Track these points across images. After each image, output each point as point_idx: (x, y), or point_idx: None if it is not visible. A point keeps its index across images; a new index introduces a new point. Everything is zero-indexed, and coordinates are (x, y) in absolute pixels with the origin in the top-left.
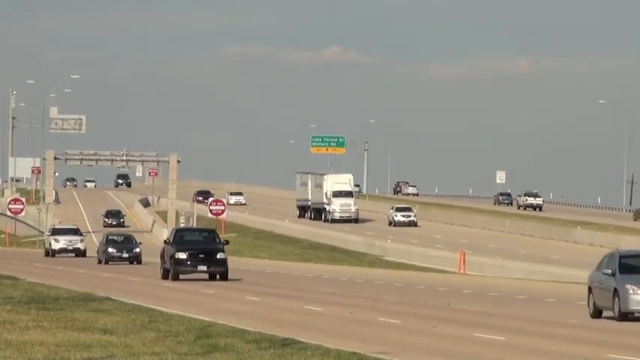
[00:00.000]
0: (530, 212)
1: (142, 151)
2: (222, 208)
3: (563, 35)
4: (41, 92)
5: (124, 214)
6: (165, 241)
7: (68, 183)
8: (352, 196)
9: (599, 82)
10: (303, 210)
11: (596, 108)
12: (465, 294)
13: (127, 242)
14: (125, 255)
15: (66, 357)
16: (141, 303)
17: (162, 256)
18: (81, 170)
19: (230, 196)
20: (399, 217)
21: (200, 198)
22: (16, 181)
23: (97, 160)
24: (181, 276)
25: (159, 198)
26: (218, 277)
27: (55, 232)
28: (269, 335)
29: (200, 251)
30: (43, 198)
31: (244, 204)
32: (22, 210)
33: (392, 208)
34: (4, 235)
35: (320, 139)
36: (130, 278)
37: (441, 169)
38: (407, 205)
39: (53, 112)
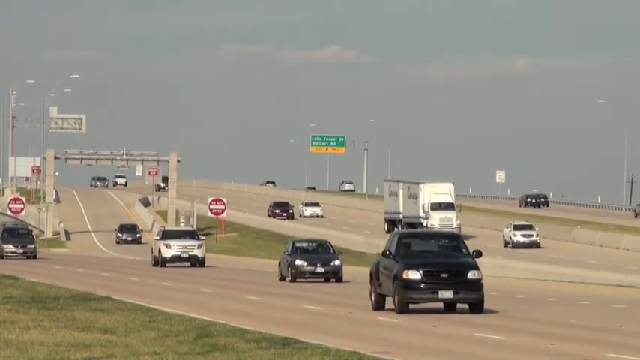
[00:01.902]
0: (531, 211)
1: (142, 150)
2: (223, 207)
3: (564, 35)
4: (41, 92)
5: (140, 228)
6: (384, 253)
7: (99, 183)
8: (454, 209)
9: (599, 82)
10: (392, 224)
11: (596, 108)
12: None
13: (323, 251)
14: (320, 269)
15: (66, 356)
16: (141, 302)
17: (374, 275)
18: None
19: (305, 207)
20: (519, 236)
21: (277, 211)
22: (22, 178)
23: (97, 159)
24: (412, 305)
25: (159, 198)
26: (469, 306)
27: (166, 235)
28: (269, 335)
29: (441, 268)
30: (44, 197)
31: (322, 216)
32: (22, 209)
33: (508, 226)
34: None
35: (320, 139)
36: (130, 278)
37: (441, 169)
38: (527, 223)
39: (53, 111)
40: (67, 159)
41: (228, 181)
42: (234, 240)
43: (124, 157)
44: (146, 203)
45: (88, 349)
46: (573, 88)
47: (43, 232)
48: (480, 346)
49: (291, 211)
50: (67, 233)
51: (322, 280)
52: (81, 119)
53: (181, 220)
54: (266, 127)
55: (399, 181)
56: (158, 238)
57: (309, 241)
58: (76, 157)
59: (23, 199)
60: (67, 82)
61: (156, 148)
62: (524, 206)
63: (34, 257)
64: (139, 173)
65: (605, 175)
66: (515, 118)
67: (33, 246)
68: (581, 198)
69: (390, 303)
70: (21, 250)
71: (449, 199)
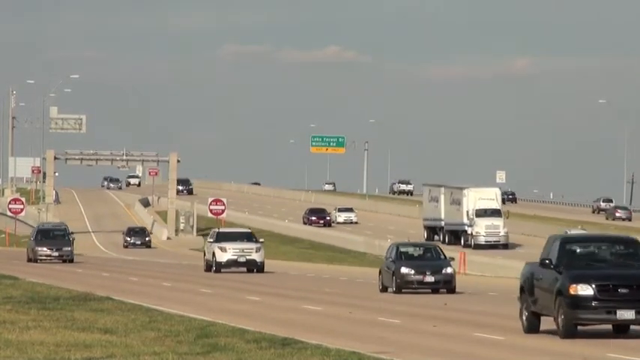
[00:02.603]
0: (531, 212)
1: (142, 150)
2: (222, 207)
3: (564, 35)
4: (41, 92)
5: (149, 232)
6: (542, 262)
7: (112, 184)
8: (500, 216)
9: (599, 82)
10: (432, 231)
11: (596, 108)
12: (465, 294)
13: (432, 257)
14: (430, 278)
15: (66, 357)
16: (141, 303)
17: (527, 290)
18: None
19: (338, 213)
20: None
21: (314, 218)
22: (22, 179)
23: (97, 159)
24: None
25: (159, 198)
26: None
27: (221, 237)
28: (269, 335)
29: (620, 281)
30: (43, 198)
31: (356, 222)
32: (22, 210)
33: (567, 233)
34: (4, 235)
35: (320, 139)
36: (129, 278)
37: (441, 169)
38: (584, 230)
39: (53, 111)
40: (66, 159)
41: (228, 181)
42: None
43: (124, 157)
44: (146, 203)
45: (88, 349)
46: (573, 88)
47: None
48: (479, 346)
49: (328, 217)
50: None
51: (430, 291)
52: (81, 119)
53: (181, 221)
54: (266, 127)
55: (440, 186)
56: (212, 240)
57: (415, 245)
58: (76, 157)
59: (23, 199)
60: (67, 82)
61: (156, 148)
62: None
63: (71, 261)
64: (139, 173)
65: (605, 175)
66: (515, 118)
67: (69, 249)
68: (581, 198)
69: (546, 323)
70: (56, 254)
71: (495, 205)
